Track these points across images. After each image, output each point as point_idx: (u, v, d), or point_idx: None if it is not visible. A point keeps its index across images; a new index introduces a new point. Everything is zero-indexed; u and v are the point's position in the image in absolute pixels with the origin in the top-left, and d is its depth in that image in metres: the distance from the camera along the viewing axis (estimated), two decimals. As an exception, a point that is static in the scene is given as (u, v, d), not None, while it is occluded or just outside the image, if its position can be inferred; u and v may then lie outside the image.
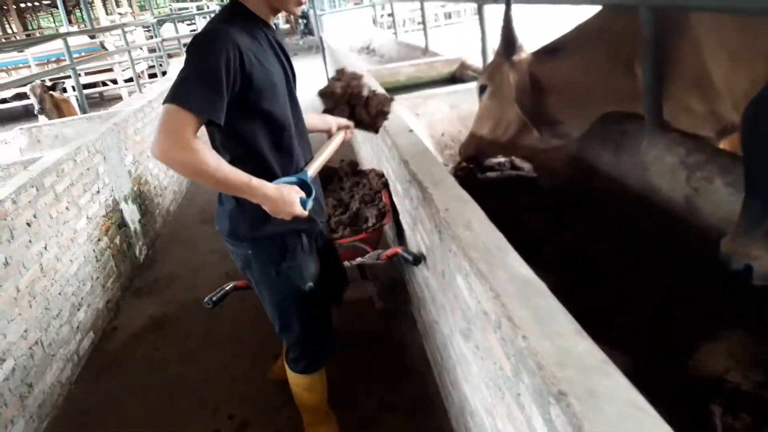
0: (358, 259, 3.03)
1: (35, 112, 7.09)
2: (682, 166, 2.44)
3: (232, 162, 1.85)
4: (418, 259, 2.67)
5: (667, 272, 2.16)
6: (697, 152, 2.42)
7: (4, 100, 13.74)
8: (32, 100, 7.05)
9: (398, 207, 3.31)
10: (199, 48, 1.76)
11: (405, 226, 3.17)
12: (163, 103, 1.70)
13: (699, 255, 2.22)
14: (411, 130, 3.18)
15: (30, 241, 3.34)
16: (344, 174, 3.89)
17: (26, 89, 7.21)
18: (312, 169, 2.11)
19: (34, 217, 3.43)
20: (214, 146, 1.95)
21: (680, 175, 2.43)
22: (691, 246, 2.21)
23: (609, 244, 2.43)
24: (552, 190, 3.18)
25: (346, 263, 2.95)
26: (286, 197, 1.89)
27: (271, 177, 1.96)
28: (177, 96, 1.69)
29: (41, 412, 3.12)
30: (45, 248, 3.49)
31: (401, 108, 4.11)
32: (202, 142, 1.74)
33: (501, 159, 3.67)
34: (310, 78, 10.27)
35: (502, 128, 3.36)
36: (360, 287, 3.52)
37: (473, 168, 3.67)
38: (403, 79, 6.03)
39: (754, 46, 2.34)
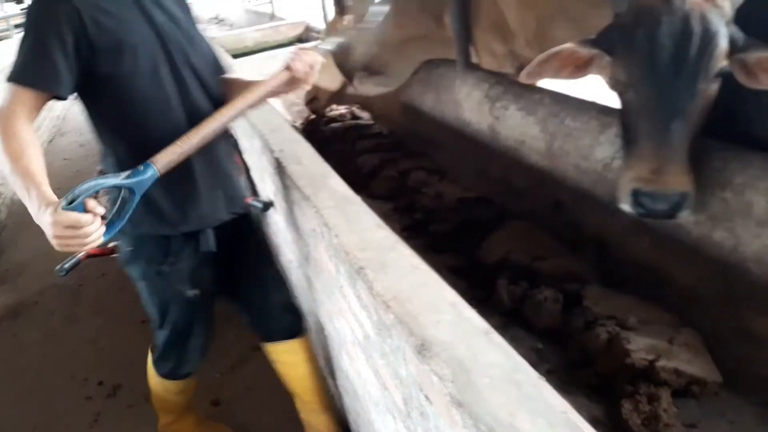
0: None
1: None
2: (486, 99, 2.84)
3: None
4: (267, 205, 2.85)
5: (472, 186, 2.55)
6: (496, 86, 2.83)
7: None
8: None
9: (248, 163, 3.47)
10: (29, 17, 1.59)
11: (256, 181, 3.34)
12: None
13: (499, 169, 2.64)
14: (252, 88, 3.33)
15: None
16: None
17: None
18: (164, 161, 1.53)
19: None
20: None
21: (485, 107, 2.83)
22: (493, 163, 2.62)
23: (426, 172, 2.79)
24: (386, 134, 3.50)
25: None
26: (56, 234, 1.33)
27: (121, 166, 1.64)
28: (10, 73, 1.53)
29: None
30: None
31: (246, 70, 4.23)
32: (27, 125, 1.51)
33: (342, 110, 3.94)
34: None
35: (330, 79, 3.62)
36: None
37: (318, 121, 3.91)
38: (251, 44, 6.07)
39: None
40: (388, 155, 3.11)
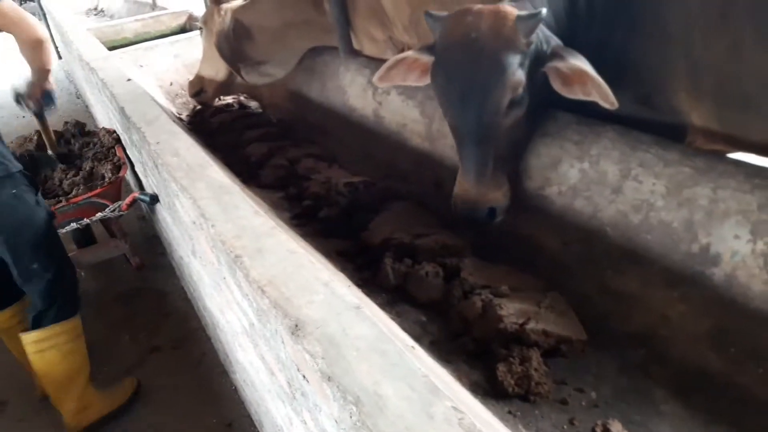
0: (99, 215, 2.98)
1: None
2: (369, 85, 2.89)
3: None
4: (155, 198, 2.75)
5: (360, 171, 2.60)
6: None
7: None
8: None
9: (132, 158, 3.33)
10: None
11: (140, 175, 3.21)
12: None
13: (384, 153, 2.70)
14: (129, 80, 3.19)
15: None
16: (71, 136, 3.74)
17: None
18: None
19: None
20: None
21: (368, 92, 2.87)
22: (379, 147, 2.67)
23: (315, 159, 2.80)
24: (274, 123, 3.47)
25: (86, 220, 2.92)
26: None
27: None
28: None
29: None
30: None
31: (122, 61, 4.03)
32: None
33: (230, 100, 3.86)
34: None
35: (215, 70, 3.54)
36: (110, 246, 3.50)
37: (205, 112, 3.81)
38: (131, 36, 5.77)
39: None
40: (276, 144, 3.08)
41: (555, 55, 1.74)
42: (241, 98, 3.87)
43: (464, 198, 1.85)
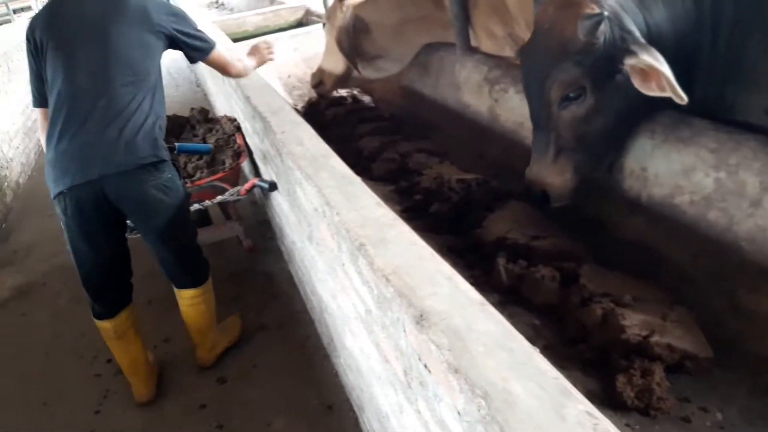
0: (219, 198, 3.14)
1: None
2: (485, 81, 2.87)
3: None
4: (273, 185, 2.88)
5: (471, 168, 2.59)
6: (495, 69, 2.85)
7: None
8: None
9: (251, 146, 3.50)
10: None
11: (259, 162, 3.38)
12: None
13: (498, 151, 2.67)
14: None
15: None
16: (196, 122, 3.98)
17: None
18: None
19: None
20: None
21: (484, 89, 2.85)
22: (492, 145, 2.65)
23: (426, 154, 2.82)
24: (387, 117, 3.53)
25: (207, 202, 3.09)
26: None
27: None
28: None
29: None
30: None
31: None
32: (42, 128, 2.35)
33: (344, 94, 3.96)
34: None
35: (334, 63, 3.64)
36: (226, 228, 3.64)
37: (319, 105, 3.94)
38: (251, 29, 6.07)
39: None
40: (388, 138, 3.14)
41: (631, 52, 1.75)
42: (355, 92, 3.97)
43: (526, 176, 2.07)
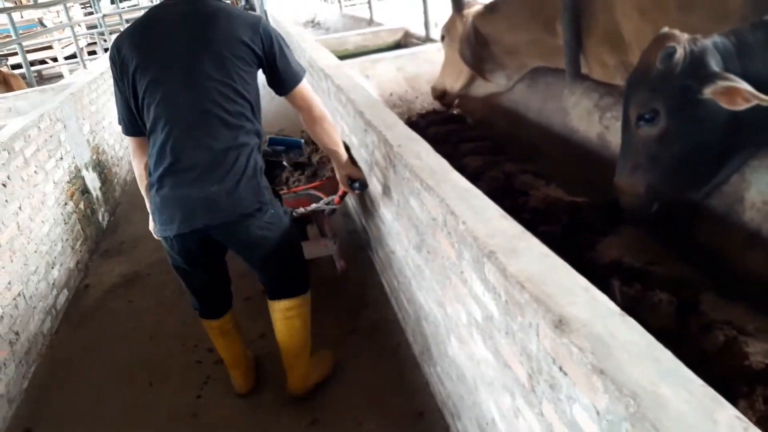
0: (313, 205, 3.14)
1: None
2: (595, 108, 2.90)
3: None
4: (363, 184, 2.84)
5: (578, 192, 2.62)
6: (607, 96, 2.88)
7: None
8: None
9: (356, 159, 3.66)
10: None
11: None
12: None
13: (607, 177, 2.69)
14: (363, 87, 3.53)
15: (6, 201, 3.52)
16: (300, 155, 3.90)
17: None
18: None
19: (8, 178, 3.61)
20: None
21: (594, 116, 2.89)
22: (601, 171, 2.67)
23: (532, 175, 2.88)
24: (489, 138, 3.60)
25: (301, 209, 3.07)
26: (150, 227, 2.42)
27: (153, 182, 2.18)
28: None
29: (28, 357, 3.35)
30: (20, 208, 3.67)
31: (352, 70, 4.45)
32: (139, 158, 2.36)
33: (444, 114, 4.08)
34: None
35: (455, 77, 3.78)
36: (320, 245, 3.55)
37: (419, 123, 4.08)
38: (351, 48, 6.34)
39: (660, 2, 2.80)
40: (491, 158, 3.21)
41: (709, 83, 1.92)
42: (455, 112, 4.08)
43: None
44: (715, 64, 1.92)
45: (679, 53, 1.96)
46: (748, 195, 2.03)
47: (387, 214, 2.96)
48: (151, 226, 2.40)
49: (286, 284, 2.56)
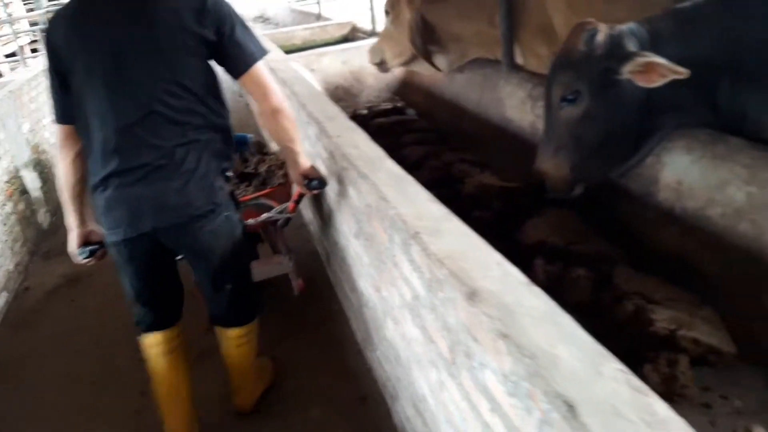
0: (264, 215, 2.79)
1: None
2: (528, 98, 3.01)
3: None
4: (322, 181, 2.42)
5: (513, 179, 2.73)
6: (539, 86, 3.00)
7: None
8: None
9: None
10: None
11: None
12: None
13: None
14: (306, 80, 3.56)
15: (-62, 201, 3.41)
16: (249, 154, 3.56)
17: None
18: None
19: (-60, 177, 3.50)
20: None
21: (527, 105, 3.00)
22: (532, 158, 2.78)
23: (469, 164, 2.98)
24: (430, 129, 3.69)
25: (251, 221, 2.72)
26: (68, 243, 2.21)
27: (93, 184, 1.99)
28: None
29: (-35, 362, 3.26)
30: (-47, 208, 3.56)
31: (297, 64, 4.47)
32: (67, 150, 2.05)
33: (387, 106, 4.15)
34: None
35: (398, 52, 3.85)
36: (272, 263, 3.12)
37: (364, 116, 4.13)
38: (299, 42, 6.34)
39: None
40: (432, 148, 3.30)
41: (626, 61, 2.03)
42: (399, 105, 4.15)
43: (534, 167, 2.40)
44: (632, 46, 2.02)
45: (601, 35, 2.06)
46: (663, 176, 2.16)
47: (329, 205, 3.00)
48: (72, 246, 2.20)
49: (237, 311, 2.37)
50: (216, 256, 2.13)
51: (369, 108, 4.26)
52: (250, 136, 3.16)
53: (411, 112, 4.09)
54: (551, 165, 2.30)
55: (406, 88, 4.55)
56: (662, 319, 1.66)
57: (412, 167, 3.18)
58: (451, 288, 1.38)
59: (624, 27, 2.08)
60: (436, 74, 4.03)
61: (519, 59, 3.24)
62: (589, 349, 1.06)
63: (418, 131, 3.70)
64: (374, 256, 2.18)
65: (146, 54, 1.85)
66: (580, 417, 0.93)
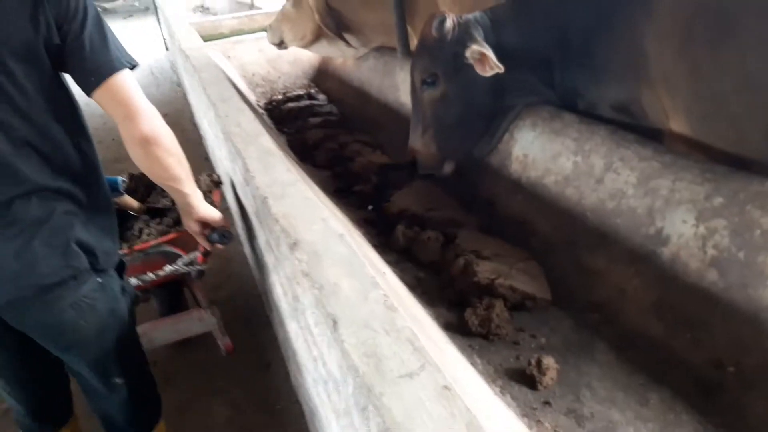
0: (168, 268, 2.18)
1: None
2: (418, 83, 3.24)
3: None
4: (227, 233, 1.93)
5: (400, 158, 2.97)
6: (427, 71, 3.22)
7: None
8: None
9: (207, 138, 3.82)
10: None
11: (214, 150, 3.71)
12: None
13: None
14: (217, 67, 3.69)
15: None
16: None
17: None
18: None
19: None
20: None
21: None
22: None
23: (362, 144, 3.20)
24: (335, 113, 3.90)
25: (150, 275, 2.15)
26: None
27: None
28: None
29: None
30: None
31: (213, 51, 4.59)
32: None
33: (300, 92, 4.33)
34: (144, 43, 10.17)
35: (300, 34, 4.02)
36: (191, 318, 2.54)
37: (278, 101, 4.31)
38: (227, 31, 6.40)
39: None
40: (331, 131, 3.51)
41: (468, 46, 2.25)
42: (311, 91, 4.33)
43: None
44: (477, 34, 2.25)
45: (449, 22, 2.28)
46: (514, 150, 2.41)
47: (235, 180, 3.16)
48: None
49: (133, 415, 1.75)
50: (90, 341, 1.52)
51: (284, 93, 4.42)
52: (121, 178, 2.40)
53: (322, 98, 4.28)
54: (420, 144, 2.52)
55: (320, 76, 4.74)
56: (485, 270, 1.91)
57: (311, 148, 3.38)
58: (283, 242, 1.58)
59: (470, 15, 2.30)
60: (346, 62, 4.24)
61: (413, 46, 3.46)
62: (366, 282, 1.28)
63: (323, 115, 3.90)
64: (255, 226, 2.36)
65: None
66: (339, 329, 1.14)
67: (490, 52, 2.13)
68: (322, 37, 4.11)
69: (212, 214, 1.81)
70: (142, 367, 1.79)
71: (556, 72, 2.27)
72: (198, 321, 2.52)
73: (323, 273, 1.34)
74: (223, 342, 2.62)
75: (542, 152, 2.28)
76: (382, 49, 3.83)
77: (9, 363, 1.60)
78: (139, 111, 1.44)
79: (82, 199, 1.46)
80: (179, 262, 2.16)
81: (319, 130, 3.54)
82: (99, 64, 1.40)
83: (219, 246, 1.91)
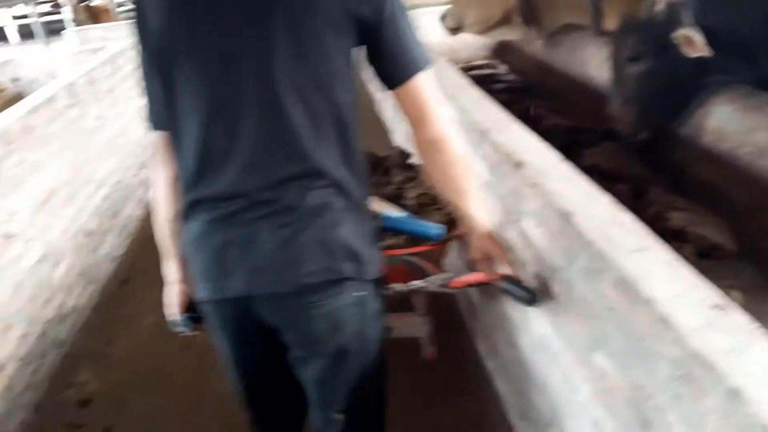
0: (414, 283, 1.85)
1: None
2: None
3: None
4: (532, 295, 1.49)
5: (579, 120, 3.19)
6: (619, 47, 3.39)
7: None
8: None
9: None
10: None
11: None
12: None
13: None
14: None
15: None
16: (393, 165, 2.62)
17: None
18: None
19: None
20: None
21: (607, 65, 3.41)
22: (602, 107, 3.23)
23: (543, 109, 3.46)
24: (517, 82, 4.18)
25: (395, 286, 1.83)
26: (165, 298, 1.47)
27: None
28: None
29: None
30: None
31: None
32: (165, 167, 1.37)
33: (482, 62, 4.66)
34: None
35: (485, 18, 4.34)
36: (404, 322, 2.27)
37: (463, 69, 4.66)
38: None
39: None
40: (516, 96, 3.80)
41: (677, 29, 2.39)
42: (491, 62, 4.64)
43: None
44: (686, 17, 2.40)
45: (660, 4, 2.46)
46: (708, 122, 2.56)
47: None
48: (170, 307, 1.49)
49: None
50: (329, 358, 1.34)
51: (467, 62, 4.79)
52: (442, 230, 1.98)
53: (503, 68, 4.56)
54: (621, 112, 2.74)
55: (501, 48, 5.07)
56: (677, 217, 2.10)
57: (499, 110, 3.69)
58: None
59: (681, 2, 2.44)
60: (526, 38, 4.48)
61: (606, 25, 3.61)
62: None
63: (505, 83, 4.20)
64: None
65: (277, 35, 1.16)
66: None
67: (698, 37, 2.28)
68: (505, 22, 4.39)
69: (494, 249, 1.45)
70: (371, 412, 1.51)
71: (761, 55, 2.36)
72: (410, 325, 2.33)
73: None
74: (427, 350, 2.38)
75: (738, 126, 2.41)
76: (567, 26, 4.04)
77: (243, 362, 1.47)
78: (432, 114, 1.28)
79: (356, 197, 1.28)
80: (432, 280, 1.83)
81: (503, 94, 3.85)
82: (404, 61, 1.23)
83: (505, 293, 1.51)
